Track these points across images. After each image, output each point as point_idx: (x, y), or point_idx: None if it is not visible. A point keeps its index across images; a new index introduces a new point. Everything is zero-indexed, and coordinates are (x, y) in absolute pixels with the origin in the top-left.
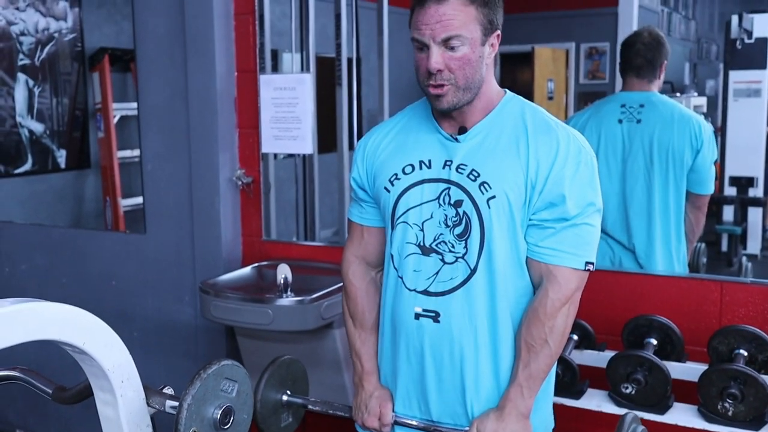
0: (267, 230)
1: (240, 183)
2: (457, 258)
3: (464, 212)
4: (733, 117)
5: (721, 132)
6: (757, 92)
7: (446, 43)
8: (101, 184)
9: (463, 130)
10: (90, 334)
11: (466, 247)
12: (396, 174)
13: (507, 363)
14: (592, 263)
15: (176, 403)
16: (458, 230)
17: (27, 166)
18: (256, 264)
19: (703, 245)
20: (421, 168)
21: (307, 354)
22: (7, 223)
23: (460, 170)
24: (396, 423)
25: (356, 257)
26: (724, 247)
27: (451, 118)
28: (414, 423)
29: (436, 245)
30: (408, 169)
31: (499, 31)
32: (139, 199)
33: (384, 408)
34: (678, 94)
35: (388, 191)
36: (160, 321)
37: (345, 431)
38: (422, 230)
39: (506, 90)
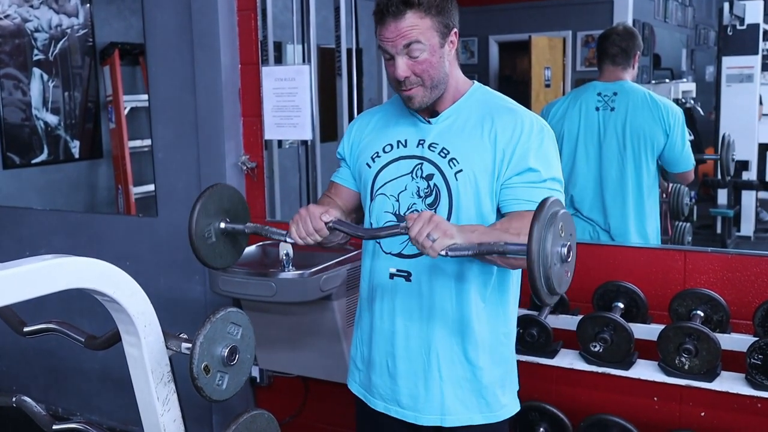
0: (271, 212)
1: (245, 168)
2: None
3: (434, 184)
4: (727, 102)
5: (714, 117)
6: (749, 77)
7: (408, 53)
8: (113, 172)
9: (435, 114)
10: (118, 285)
11: None
12: (377, 152)
13: (471, 320)
14: None
15: (190, 345)
16: (429, 200)
17: (43, 157)
18: (260, 243)
19: (688, 225)
20: (398, 147)
21: (307, 324)
22: (27, 210)
23: (431, 148)
24: None
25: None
26: (719, 229)
27: None
28: None
29: (410, 213)
30: (387, 148)
31: (456, 29)
32: (150, 187)
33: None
34: (667, 81)
35: (369, 167)
36: (172, 298)
37: (345, 399)
38: (398, 201)
39: (474, 81)
